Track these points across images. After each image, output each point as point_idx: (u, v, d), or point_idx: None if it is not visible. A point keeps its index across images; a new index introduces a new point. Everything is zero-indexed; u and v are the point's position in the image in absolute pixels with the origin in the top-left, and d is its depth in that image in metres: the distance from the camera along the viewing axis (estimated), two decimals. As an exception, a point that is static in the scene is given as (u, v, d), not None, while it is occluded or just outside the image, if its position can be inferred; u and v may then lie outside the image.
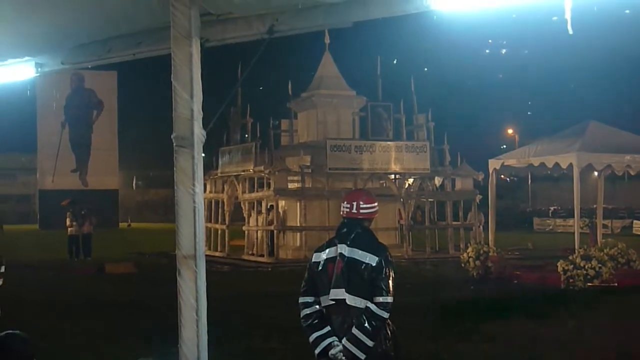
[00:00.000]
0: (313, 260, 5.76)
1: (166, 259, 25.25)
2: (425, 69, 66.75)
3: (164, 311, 7.80)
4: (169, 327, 5.36)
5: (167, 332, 5.40)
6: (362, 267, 5.49)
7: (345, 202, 5.81)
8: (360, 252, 5.53)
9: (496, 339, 11.39)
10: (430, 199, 30.17)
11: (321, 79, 29.97)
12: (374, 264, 5.48)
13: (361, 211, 5.74)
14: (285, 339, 11.29)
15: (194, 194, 4.41)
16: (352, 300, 5.47)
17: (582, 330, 12.11)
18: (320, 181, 27.57)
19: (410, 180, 29.73)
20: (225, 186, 30.21)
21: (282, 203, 28.19)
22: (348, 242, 5.59)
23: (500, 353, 10.57)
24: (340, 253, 5.57)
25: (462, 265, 20.62)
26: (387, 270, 5.49)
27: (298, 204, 27.47)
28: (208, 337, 4.49)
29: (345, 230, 5.70)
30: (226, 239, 29.70)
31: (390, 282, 5.49)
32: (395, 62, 63.59)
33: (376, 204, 5.87)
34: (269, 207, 27.62)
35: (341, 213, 5.82)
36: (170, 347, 4.70)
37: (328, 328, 5.56)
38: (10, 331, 3.93)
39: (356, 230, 5.66)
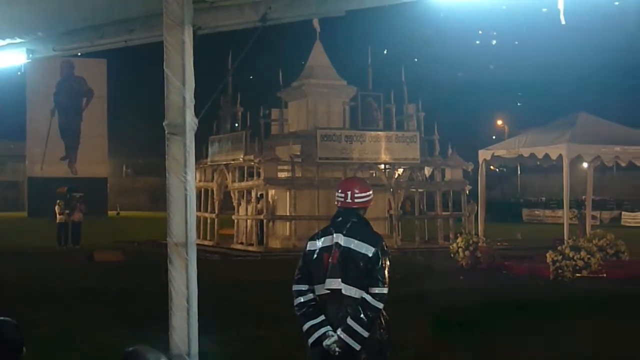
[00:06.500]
0: (308, 248, 5.70)
1: (155, 248, 25.22)
2: (416, 59, 66.61)
3: (153, 299, 7.80)
4: (158, 315, 5.35)
5: (157, 319, 5.39)
6: (358, 257, 5.45)
7: (339, 192, 5.75)
8: (356, 242, 5.49)
9: (483, 329, 11.44)
10: (420, 189, 30.18)
11: (312, 68, 29.90)
12: (370, 255, 5.44)
13: (356, 200, 5.68)
14: (275, 328, 11.31)
15: (185, 181, 4.40)
16: (347, 290, 5.44)
17: (570, 321, 12.17)
18: (310, 170, 27.54)
19: (400, 171, 29.75)
20: (214, 175, 30.15)
21: (271, 192, 28.15)
22: (344, 232, 5.55)
23: (486, 343, 10.61)
24: (336, 242, 5.53)
25: (452, 255, 20.68)
26: (383, 261, 5.47)
27: (288, 193, 27.45)
28: (198, 325, 4.48)
29: (340, 219, 5.66)
30: (215, 227, 29.67)
31: (386, 272, 5.48)
32: (385, 52, 63.47)
33: (371, 192, 5.81)
34: (258, 196, 27.58)
35: (336, 203, 5.77)
36: (160, 335, 4.69)
37: (322, 317, 5.50)
38: (1, 318, 3.91)
39: (351, 220, 5.61)
